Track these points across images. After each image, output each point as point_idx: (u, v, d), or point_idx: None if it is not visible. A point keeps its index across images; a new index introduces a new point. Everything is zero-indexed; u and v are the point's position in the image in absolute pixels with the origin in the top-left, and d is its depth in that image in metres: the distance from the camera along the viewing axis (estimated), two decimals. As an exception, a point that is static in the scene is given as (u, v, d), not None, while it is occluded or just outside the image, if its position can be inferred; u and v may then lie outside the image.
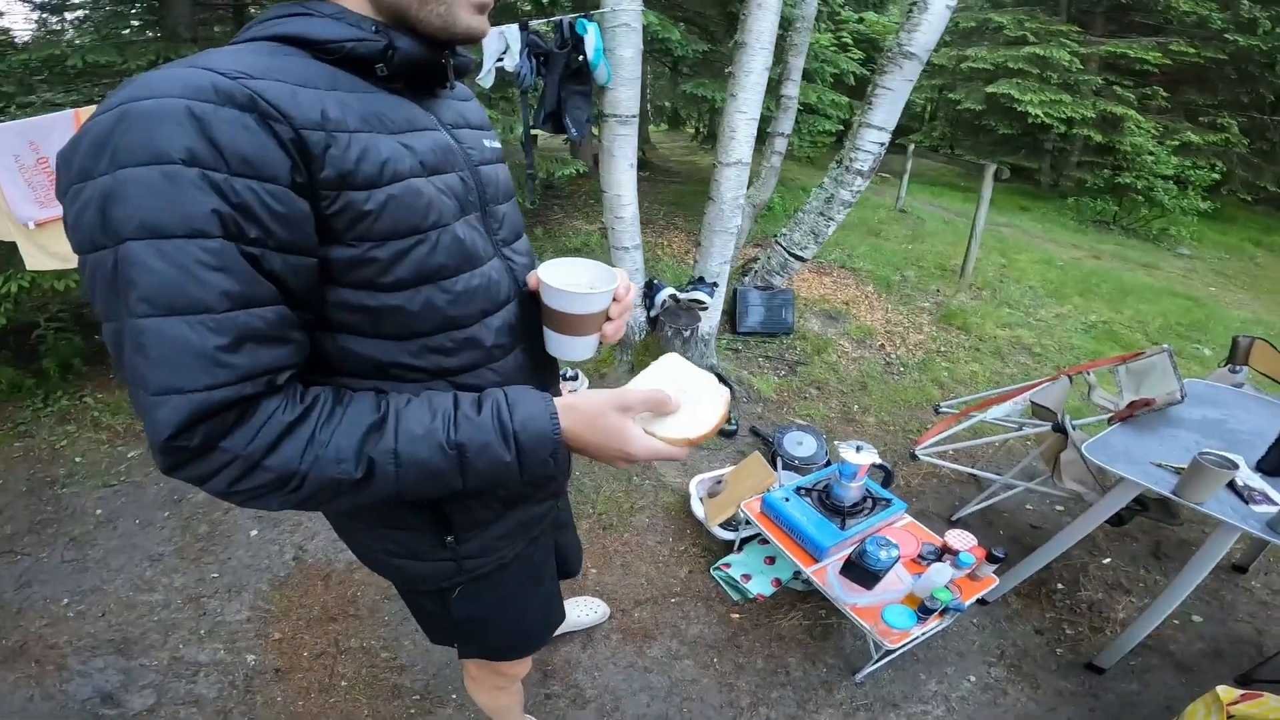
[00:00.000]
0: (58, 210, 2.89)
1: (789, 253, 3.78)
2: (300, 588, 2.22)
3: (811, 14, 4.76)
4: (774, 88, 4.94)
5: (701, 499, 2.36)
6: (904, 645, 1.71)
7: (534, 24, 2.66)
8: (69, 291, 3.17)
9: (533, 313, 0.85)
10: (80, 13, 6.49)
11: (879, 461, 1.93)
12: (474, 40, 0.74)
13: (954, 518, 2.57)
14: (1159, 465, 1.78)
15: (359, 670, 1.95)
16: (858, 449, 1.89)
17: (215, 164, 0.53)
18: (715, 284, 3.15)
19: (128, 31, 5.74)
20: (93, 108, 2.50)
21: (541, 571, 1.13)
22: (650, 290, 3.12)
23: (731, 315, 3.91)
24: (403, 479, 0.64)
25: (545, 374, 0.92)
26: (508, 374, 0.82)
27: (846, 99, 7.07)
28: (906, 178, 8.02)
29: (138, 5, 5.77)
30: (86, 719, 1.83)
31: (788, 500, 2.01)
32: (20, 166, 2.84)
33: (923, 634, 1.73)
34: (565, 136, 2.81)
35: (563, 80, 2.68)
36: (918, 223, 7.42)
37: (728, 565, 2.24)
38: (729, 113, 2.94)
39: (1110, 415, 2.08)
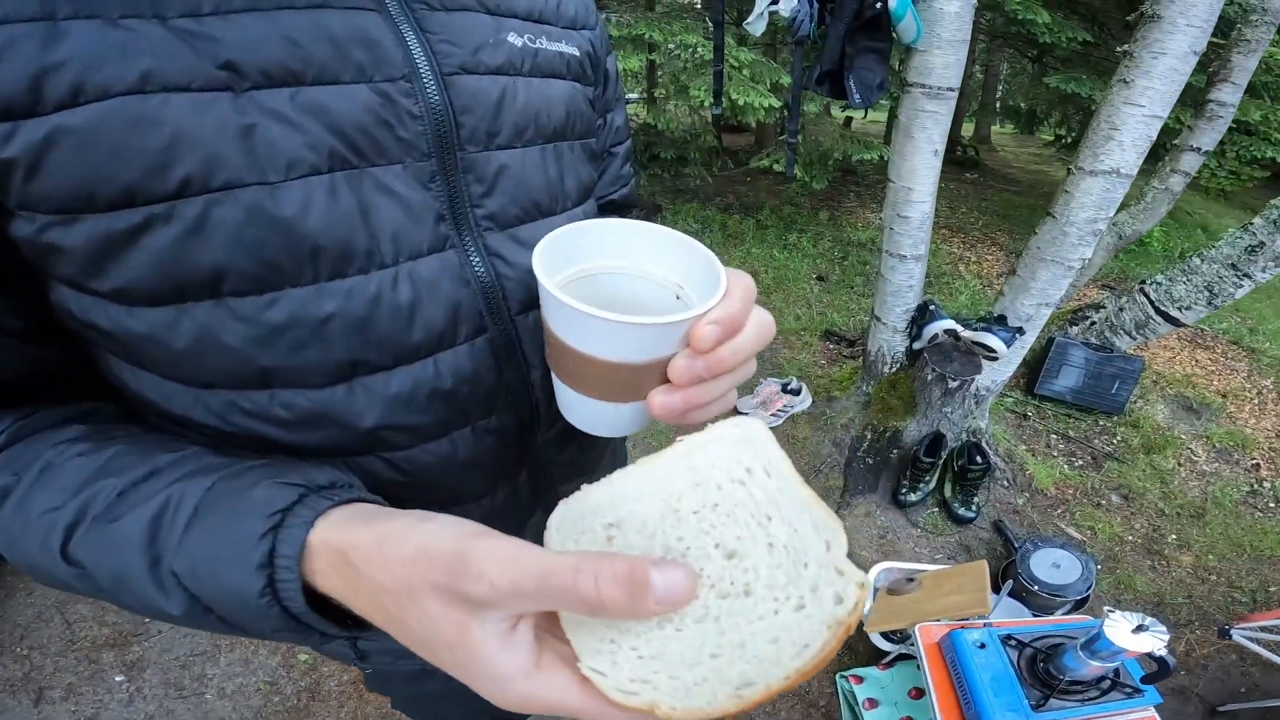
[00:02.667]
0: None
1: (1158, 309, 2.76)
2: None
3: (1278, 6, 3.43)
4: (1195, 91, 3.74)
5: (877, 590, 1.86)
6: None
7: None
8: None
9: (516, 374, 0.52)
10: None
11: (1161, 653, 1.25)
12: None
13: (1224, 708, 1.93)
14: None
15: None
16: (1138, 628, 1.27)
17: None
18: (1020, 330, 2.36)
19: None
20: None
21: None
22: (922, 315, 2.45)
23: (1034, 369, 3.01)
24: (40, 576, 0.39)
25: (550, 481, 0.60)
26: (434, 474, 0.50)
27: None
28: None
29: None
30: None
31: (982, 647, 1.48)
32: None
33: None
34: (844, 104, 2.30)
35: (851, 32, 2.17)
36: (1388, 304, 5.14)
37: (859, 679, 1.79)
38: (1113, 103, 2.17)
39: None
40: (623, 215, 0.72)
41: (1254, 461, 2.87)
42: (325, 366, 0.42)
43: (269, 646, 1.88)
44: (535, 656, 0.29)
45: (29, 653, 1.84)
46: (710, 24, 4.00)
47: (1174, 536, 2.43)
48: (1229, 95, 3.58)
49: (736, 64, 3.80)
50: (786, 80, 3.98)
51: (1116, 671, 1.40)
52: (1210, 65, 3.68)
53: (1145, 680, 1.39)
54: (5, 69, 0.31)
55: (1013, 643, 1.45)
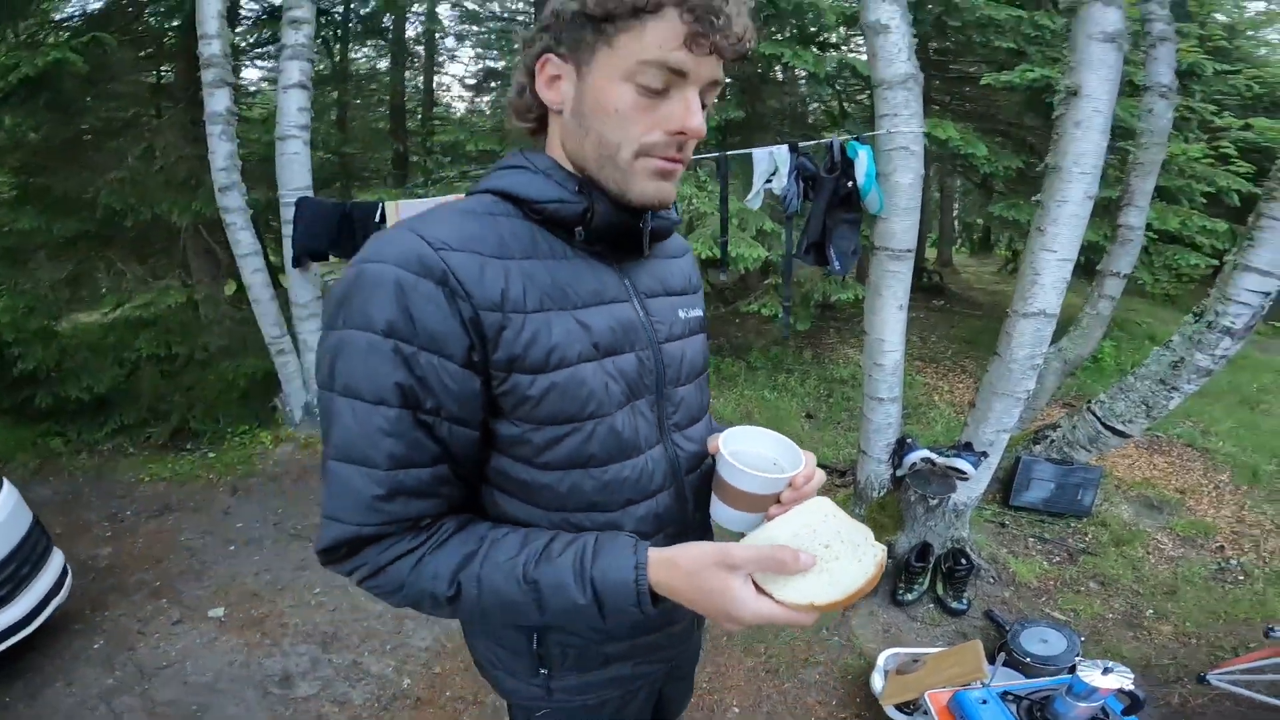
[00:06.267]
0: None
1: (1104, 425, 3.06)
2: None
3: (1164, 128, 3.83)
4: (1110, 213, 4.16)
5: (887, 672, 2.15)
6: None
7: (804, 145, 2.74)
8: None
9: (686, 504, 0.86)
10: (492, 94, 9.15)
11: (1129, 688, 1.55)
12: (661, 207, 0.76)
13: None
14: None
15: (479, 724, 2.16)
16: (1105, 670, 1.58)
17: (408, 336, 0.64)
18: (984, 454, 2.73)
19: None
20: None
21: None
22: (901, 448, 2.83)
23: (1006, 484, 3.39)
24: (484, 602, 0.70)
25: None
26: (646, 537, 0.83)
27: (1226, 225, 5.52)
28: (1313, 329, 6.07)
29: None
30: (256, 690, 2.30)
31: (985, 703, 1.73)
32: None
33: None
34: (826, 270, 2.71)
35: (830, 207, 2.62)
36: (1321, 395, 5.57)
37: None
38: (1032, 250, 2.49)
39: None
40: None
41: (1218, 544, 3.20)
42: (619, 501, 0.77)
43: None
44: (755, 594, 0.64)
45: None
46: (717, 184, 4.49)
47: (1151, 611, 2.71)
48: (1135, 219, 3.91)
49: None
50: (769, 225, 4.44)
51: (1104, 710, 1.64)
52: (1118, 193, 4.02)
53: (1126, 712, 1.65)
54: (538, 345, 0.68)
55: (1010, 698, 1.73)
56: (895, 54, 2.44)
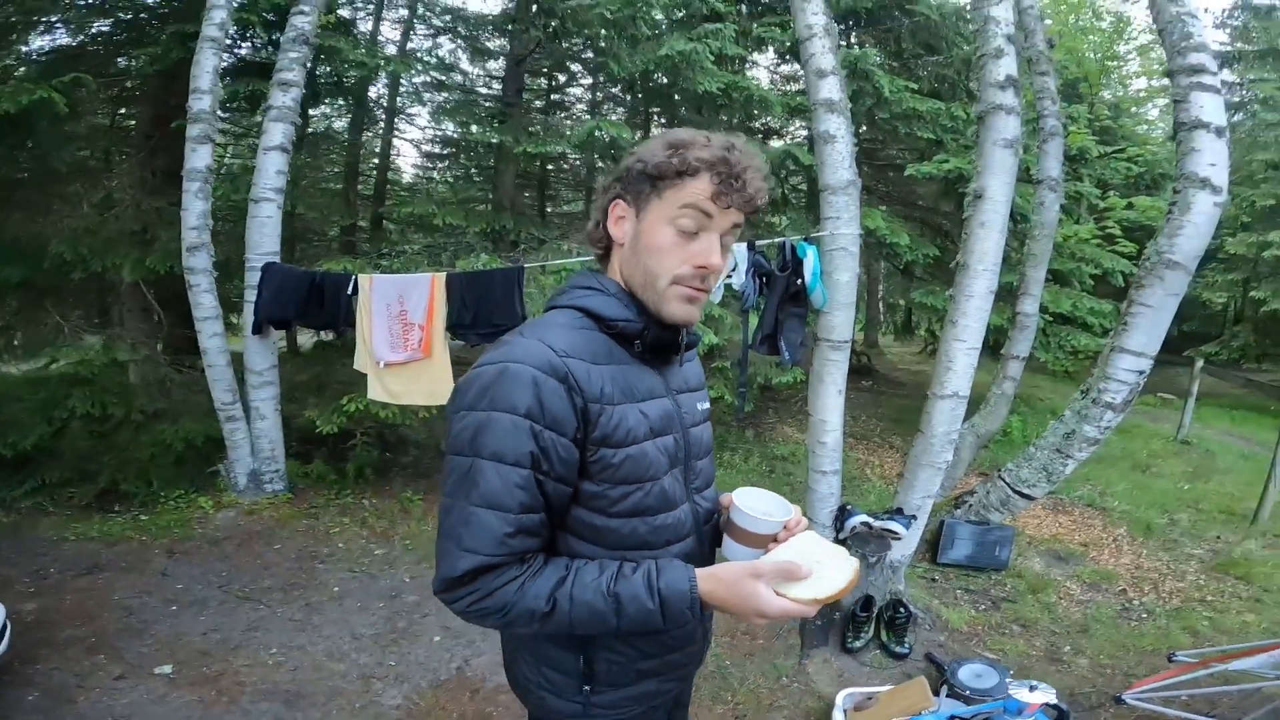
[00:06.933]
0: (403, 356, 3.74)
1: (1013, 490, 3.46)
2: (451, 693, 2.58)
3: (1053, 220, 4.44)
4: (1012, 297, 4.60)
5: (845, 710, 2.35)
6: None
7: (759, 244, 3.05)
8: (387, 419, 4.26)
9: (704, 546, 1.11)
10: (446, 163, 9.35)
11: (1053, 701, 1.86)
12: (686, 325, 1.02)
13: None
14: None
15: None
16: (1031, 688, 1.88)
17: (539, 419, 0.87)
18: (913, 517, 3.04)
19: (472, 187, 8.33)
20: (442, 274, 3.63)
21: None
22: (842, 515, 3.12)
23: (934, 544, 3.75)
24: (574, 614, 0.90)
25: None
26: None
27: (1111, 305, 6.14)
28: (1193, 400, 6.89)
29: (478, 170, 8.33)
30: (221, 750, 2.27)
31: None
32: (389, 314, 3.62)
33: None
34: (778, 360, 3.01)
35: (781, 302, 2.92)
36: (1204, 457, 6.40)
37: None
38: (946, 339, 2.84)
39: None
40: None
41: (1121, 588, 3.63)
42: (662, 541, 1.00)
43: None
44: (775, 595, 0.87)
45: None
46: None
47: (1069, 647, 3.04)
48: (1030, 306, 4.42)
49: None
50: (717, 311, 4.81)
51: (1037, 726, 1.92)
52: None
53: (1054, 725, 1.93)
54: (621, 428, 0.92)
55: (956, 720, 1.99)
56: (839, 161, 2.83)
